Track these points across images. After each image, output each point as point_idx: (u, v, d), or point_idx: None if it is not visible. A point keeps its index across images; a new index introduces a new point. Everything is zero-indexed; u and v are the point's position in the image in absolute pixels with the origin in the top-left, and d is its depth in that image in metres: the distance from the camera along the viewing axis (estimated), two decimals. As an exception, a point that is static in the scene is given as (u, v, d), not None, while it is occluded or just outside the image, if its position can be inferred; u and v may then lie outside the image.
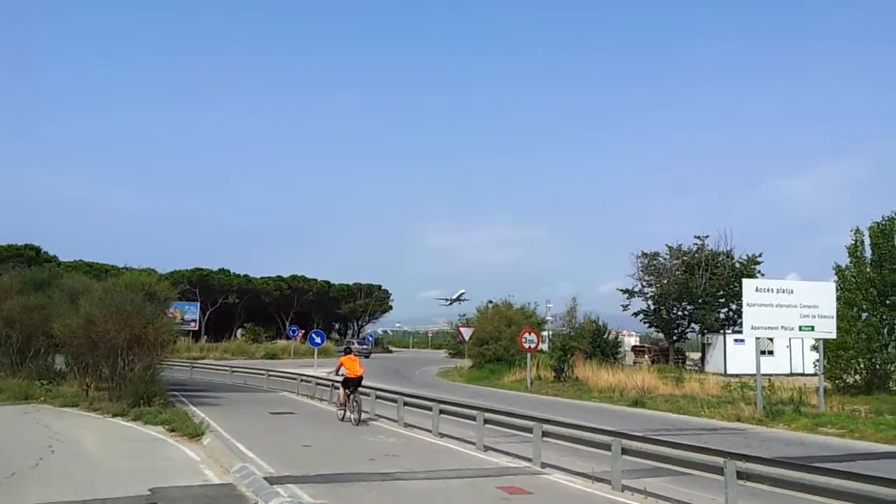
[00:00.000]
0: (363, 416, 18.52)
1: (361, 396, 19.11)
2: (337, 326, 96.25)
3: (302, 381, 28.26)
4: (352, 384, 18.60)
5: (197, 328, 66.57)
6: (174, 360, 29.40)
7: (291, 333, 62.82)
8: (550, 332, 50.97)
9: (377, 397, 20.55)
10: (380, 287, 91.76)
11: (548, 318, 54.50)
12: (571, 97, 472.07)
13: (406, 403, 18.48)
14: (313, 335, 40.08)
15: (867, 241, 28.04)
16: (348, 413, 18.57)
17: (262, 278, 79.62)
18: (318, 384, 26.50)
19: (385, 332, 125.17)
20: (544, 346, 45.59)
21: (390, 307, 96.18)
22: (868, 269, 27.64)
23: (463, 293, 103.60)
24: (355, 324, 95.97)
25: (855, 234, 28.18)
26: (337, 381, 20.66)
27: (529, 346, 35.18)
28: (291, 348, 60.96)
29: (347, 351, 20.21)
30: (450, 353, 60.92)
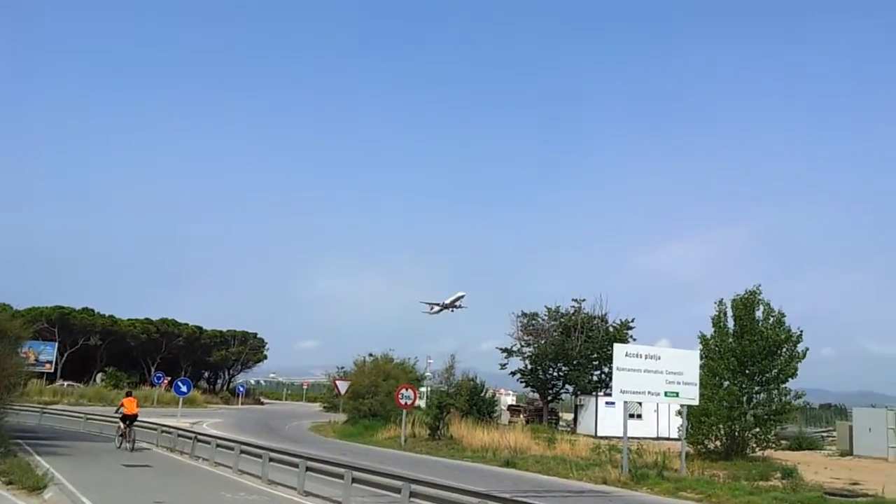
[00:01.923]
0: (135, 444, 23.64)
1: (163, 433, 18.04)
2: (206, 374, 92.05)
3: (162, 431, 26.55)
4: (129, 420, 24.06)
5: (52, 370, 61.80)
6: (23, 405, 27.09)
7: (156, 380, 59.38)
8: (429, 389, 50.60)
9: (241, 452, 19.47)
10: (255, 335, 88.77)
11: (427, 373, 54.20)
12: (467, 155, 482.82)
13: (272, 459, 17.57)
14: (179, 383, 38.07)
15: (730, 312, 29.56)
16: (125, 443, 23.59)
17: (129, 320, 75.33)
18: (179, 436, 24.92)
19: (258, 382, 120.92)
20: (422, 403, 45.12)
21: (265, 356, 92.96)
22: (730, 340, 29.03)
23: (462, 297, 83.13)
24: (226, 372, 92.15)
25: (718, 305, 29.69)
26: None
27: (406, 403, 34.65)
28: (155, 396, 57.53)
29: (129, 394, 26.27)
30: (324, 407, 59.15)
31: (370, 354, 49.23)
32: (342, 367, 52.84)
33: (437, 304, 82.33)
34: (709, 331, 29.72)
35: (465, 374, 43.98)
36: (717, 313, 29.63)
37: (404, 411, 34.89)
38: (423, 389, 49.70)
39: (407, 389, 35.23)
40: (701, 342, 29.43)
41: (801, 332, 28.57)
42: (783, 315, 28.83)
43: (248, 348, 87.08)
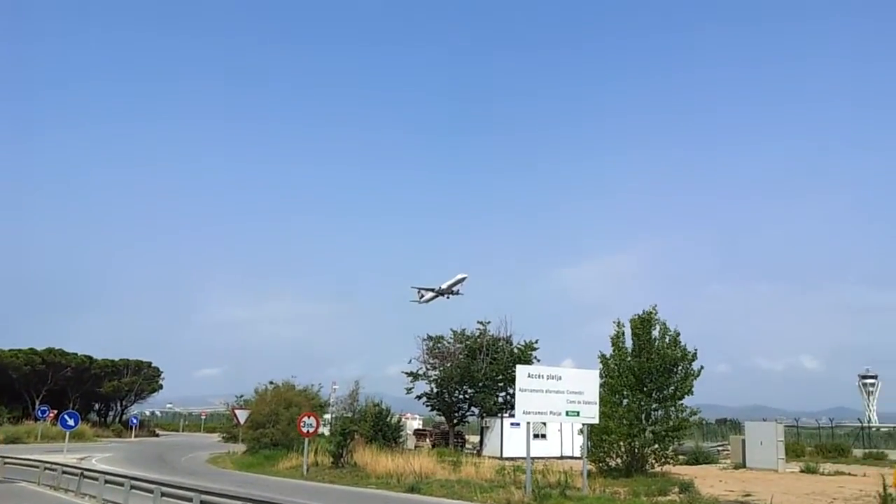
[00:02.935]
0: None
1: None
2: (97, 407, 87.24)
3: (46, 469, 24.79)
4: None
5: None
6: None
7: (40, 414, 55.81)
8: (333, 416, 49.55)
9: (132, 487, 18.32)
10: (150, 364, 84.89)
11: (331, 400, 53.13)
12: (365, 177, 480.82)
13: (164, 494, 16.60)
14: (65, 416, 35.70)
15: (628, 331, 30.32)
16: None
17: (10, 351, 70.66)
18: (64, 472, 23.30)
19: (153, 413, 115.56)
20: (325, 430, 44.07)
21: (160, 386, 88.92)
22: (629, 358, 29.76)
23: (464, 279, 71.62)
24: (119, 404, 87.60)
25: (617, 325, 30.43)
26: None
27: (308, 431, 33.72)
28: (39, 431, 54.00)
29: None
30: (223, 438, 56.96)
31: (271, 382, 47.85)
32: (241, 396, 51.14)
33: (432, 290, 72.77)
34: (609, 350, 30.42)
35: (370, 400, 43.34)
36: (616, 333, 30.34)
37: (306, 439, 33.94)
38: (326, 416, 48.66)
39: (309, 417, 34.33)
40: (601, 361, 30.03)
41: (696, 350, 29.67)
42: (678, 334, 29.81)
43: (143, 378, 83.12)
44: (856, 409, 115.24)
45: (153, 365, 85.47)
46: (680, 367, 29.52)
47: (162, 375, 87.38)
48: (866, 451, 48.03)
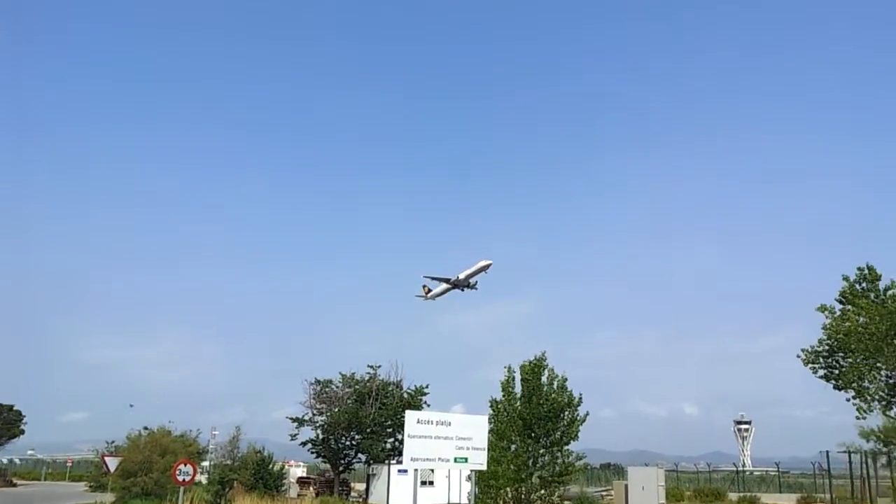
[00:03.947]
0: None
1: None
2: (-53, 454, 79.78)
3: None
4: None
5: None
6: None
7: None
8: (211, 463, 47.07)
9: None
10: (11, 407, 78.54)
11: (210, 447, 50.55)
12: (247, 221, 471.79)
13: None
14: None
15: (518, 377, 30.43)
16: None
17: None
18: None
19: (11, 461, 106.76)
20: (203, 479, 41.71)
21: (22, 431, 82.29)
22: (518, 404, 29.81)
23: (488, 266, 63.52)
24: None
25: (507, 370, 30.52)
26: None
27: (184, 479, 31.56)
28: None
29: None
30: (90, 487, 52.95)
31: (145, 428, 45.02)
32: (112, 442, 47.81)
33: (447, 280, 64.45)
34: (499, 395, 30.40)
35: (251, 446, 41.49)
36: (506, 378, 30.41)
37: (182, 489, 31.87)
38: (205, 464, 46.16)
39: (185, 465, 32.22)
40: (491, 407, 29.97)
41: (581, 395, 30.10)
42: (566, 380, 30.20)
43: (2, 423, 76.73)
44: (732, 453, 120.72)
45: (14, 408, 79.15)
46: (566, 413, 29.83)
47: (24, 420, 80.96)
48: (741, 494, 49.95)
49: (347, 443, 49.96)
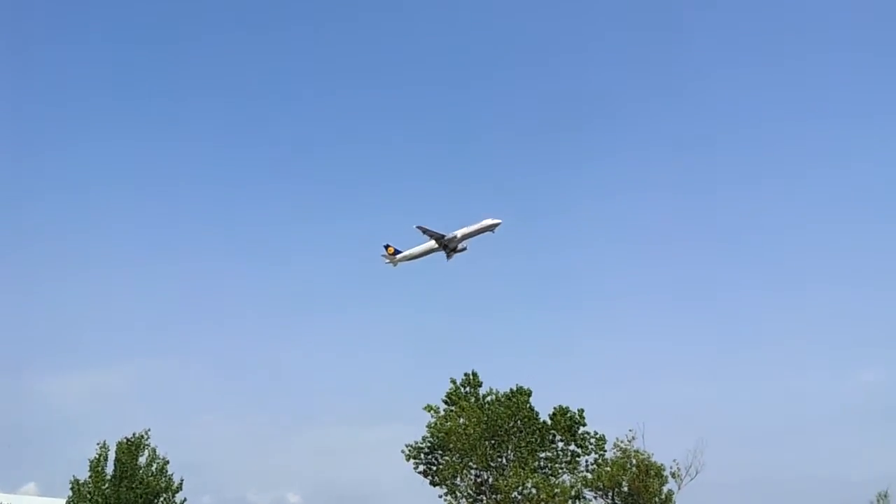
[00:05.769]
0: None
1: None
2: None
3: None
4: None
5: None
6: None
7: None
8: None
9: None
10: None
11: None
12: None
13: None
14: None
15: (112, 456, 28.10)
16: None
17: None
18: None
19: None
20: None
21: None
22: (106, 486, 27.34)
23: (494, 226, 55.11)
24: None
25: (101, 447, 28.11)
26: None
27: None
28: None
29: None
30: None
31: None
32: None
33: (441, 236, 53.16)
34: (86, 475, 27.72)
35: None
36: (97, 456, 27.98)
37: None
38: None
39: None
40: (73, 488, 27.07)
41: (182, 480, 28.55)
42: (167, 462, 28.59)
43: None
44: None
45: None
46: (163, 498, 28.09)
47: None
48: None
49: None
